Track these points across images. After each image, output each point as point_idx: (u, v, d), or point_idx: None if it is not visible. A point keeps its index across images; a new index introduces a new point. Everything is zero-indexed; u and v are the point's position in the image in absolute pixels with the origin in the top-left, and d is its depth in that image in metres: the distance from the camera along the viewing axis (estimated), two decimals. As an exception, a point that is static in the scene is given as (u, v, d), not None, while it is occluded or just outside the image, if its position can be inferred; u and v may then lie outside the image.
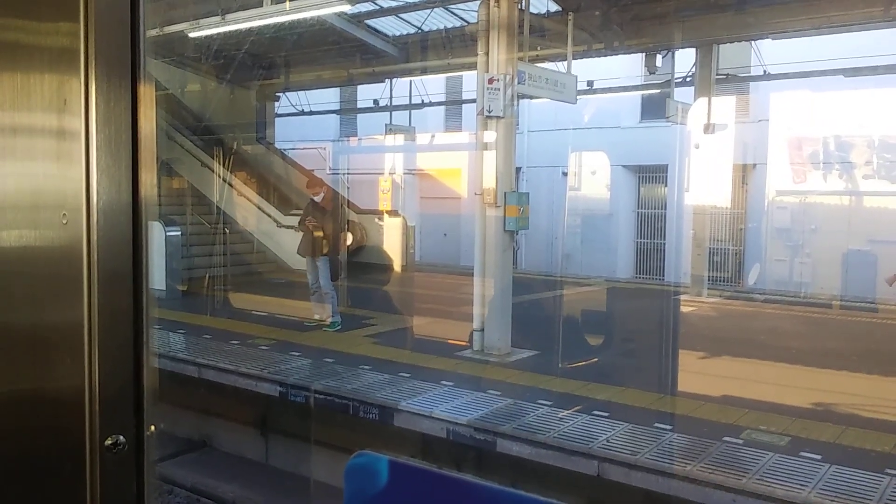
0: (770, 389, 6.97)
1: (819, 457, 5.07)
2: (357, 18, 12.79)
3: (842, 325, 10.70)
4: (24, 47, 1.03)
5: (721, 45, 11.80)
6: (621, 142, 16.44)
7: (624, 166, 17.08)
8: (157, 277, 10.81)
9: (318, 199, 9.25)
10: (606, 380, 7.07)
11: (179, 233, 11.99)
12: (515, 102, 8.21)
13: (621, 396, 6.54)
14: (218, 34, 11.09)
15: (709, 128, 11.84)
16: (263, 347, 8.26)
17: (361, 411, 6.36)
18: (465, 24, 12.15)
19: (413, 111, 16.53)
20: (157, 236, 11.07)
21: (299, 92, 16.98)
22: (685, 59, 12.41)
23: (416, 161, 19.41)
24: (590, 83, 12.93)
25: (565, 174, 17.73)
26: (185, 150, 15.13)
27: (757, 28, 10.54)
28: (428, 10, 12.37)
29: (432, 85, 16.63)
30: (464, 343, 8.28)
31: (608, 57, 11.88)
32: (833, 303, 12.08)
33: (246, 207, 14.93)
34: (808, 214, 14.50)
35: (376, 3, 12.27)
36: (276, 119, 17.18)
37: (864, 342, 9.22)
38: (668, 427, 5.67)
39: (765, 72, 12.57)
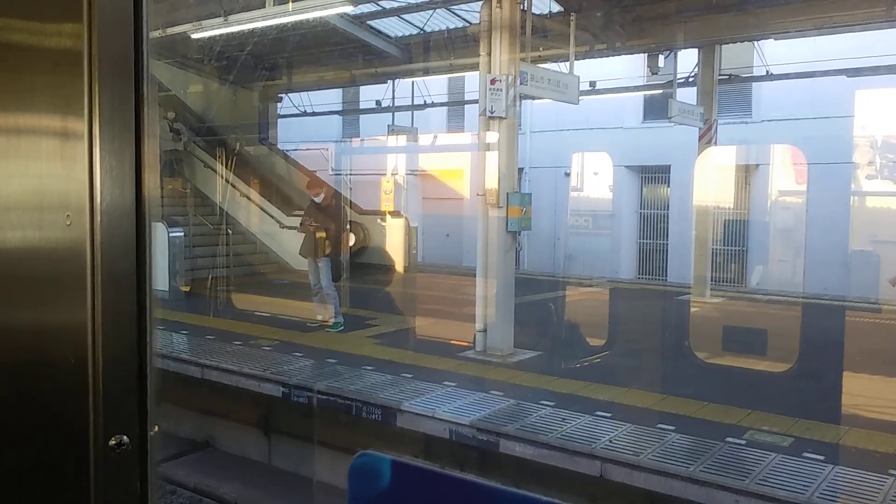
0: (772, 389, 6.96)
1: (822, 457, 5.07)
2: (359, 19, 12.79)
3: (844, 326, 10.66)
4: (28, 49, 1.03)
5: (723, 46, 11.78)
6: (624, 142, 16.43)
7: (626, 167, 17.06)
8: (160, 278, 10.82)
9: (318, 199, 9.24)
10: (609, 380, 7.06)
11: (182, 234, 12.00)
12: (518, 103, 8.21)
13: (624, 397, 6.54)
14: (221, 35, 11.09)
15: (711, 128, 11.82)
16: (266, 348, 8.27)
17: (364, 412, 6.36)
18: (468, 24, 12.15)
19: (415, 112, 16.52)
20: (160, 237, 11.08)
21: (302, 93, 16.99)
22: (688, 60, 12.40)
23: (419, 162, 19.41)
24: (592, 84, 12.91)
25: (568, 175, 17.72)
26: (187, 152, 15.16)
27: (759, 28, 10.53)
28: (430, 11, 12.37)
29: (435, 86, 16.62)
30: (466, 344, 8.27)
31: (610, 57, 11.87)
32: (836, 303, 12.05)
33: (248, 208, 14.94)
34: (810, 215, 14.46)
35: (378, 4, 12.27)
36: (279, 120, 17.19)
37: (866, 342, 9.19)
38: (671, 428, 5.67)
39: (767, 72, 12.55)
